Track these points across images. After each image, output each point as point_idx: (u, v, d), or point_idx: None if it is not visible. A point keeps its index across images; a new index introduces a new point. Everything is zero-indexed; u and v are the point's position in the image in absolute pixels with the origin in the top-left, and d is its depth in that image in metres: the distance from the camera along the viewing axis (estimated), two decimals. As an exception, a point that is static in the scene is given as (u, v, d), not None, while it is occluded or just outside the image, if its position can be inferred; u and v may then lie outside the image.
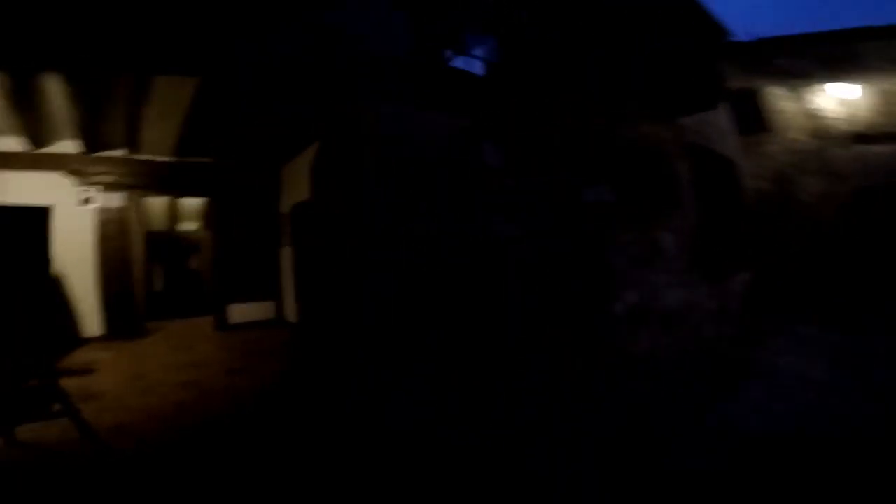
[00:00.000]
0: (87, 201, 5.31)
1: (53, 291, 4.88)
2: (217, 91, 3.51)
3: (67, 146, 5.00)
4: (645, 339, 4.06)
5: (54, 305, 4.85)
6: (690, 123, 5.33)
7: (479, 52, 3.08)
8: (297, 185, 5.78)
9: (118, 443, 2.40)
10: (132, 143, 5.00)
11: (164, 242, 8.71)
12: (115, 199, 5.45)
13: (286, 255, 6.26)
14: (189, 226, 8.69)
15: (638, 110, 4.31)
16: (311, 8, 2.39)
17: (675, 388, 3.15)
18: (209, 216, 6.91)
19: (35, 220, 2.38)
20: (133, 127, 4.45)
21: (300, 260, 5.77)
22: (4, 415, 2.29)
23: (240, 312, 6.21)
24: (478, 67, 3.10)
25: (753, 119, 7.03)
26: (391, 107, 2.63)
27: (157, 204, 7.78)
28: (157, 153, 5.49)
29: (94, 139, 4.83)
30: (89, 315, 5.23)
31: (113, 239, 5.42)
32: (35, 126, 4.35)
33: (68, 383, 3.44)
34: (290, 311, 6.17)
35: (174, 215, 8.38)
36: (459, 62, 3.02)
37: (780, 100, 7.05)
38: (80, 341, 5.03)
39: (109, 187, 5.38)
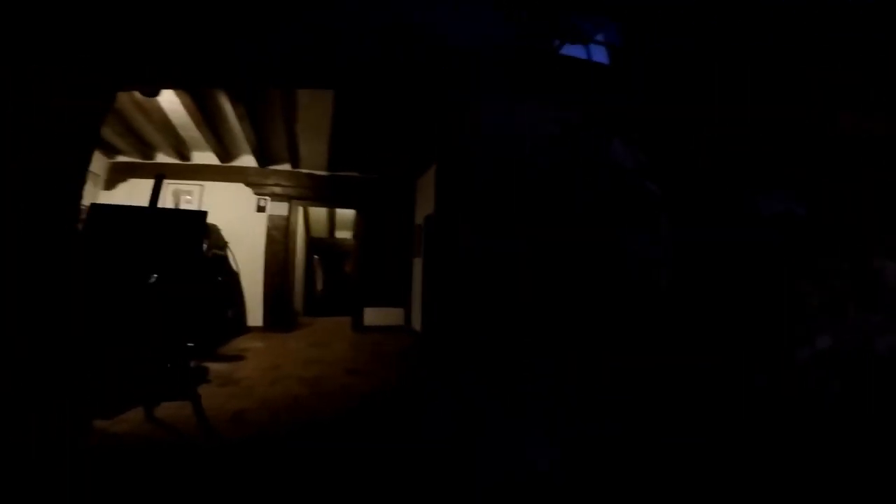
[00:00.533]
0: (261, 209, 6.20)
1: (230, 286, 5.75)
2: (350, 104, 3.67)
3: (247, 160, 5.92)
4: (836, 393, 2.85)
5: (230, 298, 5.71)
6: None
7: (599, 37, 2.52)
8: (428, 197, 5.84)
9: (230, 430, 2.52)
10: (294, 158, 5.66)
11: (325, 248, 9.87)
12: (281, 208, 6.25)
13: (417, 265, 6.37)
14: (345, 234, 9.65)
15: (836, 94, 3.11)
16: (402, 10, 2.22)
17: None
18: (355, 225, 7.50)
19: (194, 222, 2.63)
20: (292, 143, 5.01)
21: (427, 270, 5.78)
22: (149, 390, 2.56)
23: (373, 316, 6.52)
24: (600, 55, 2.53)
25: None
26: (491, 105, 2.28)
27: (319, 213, 8.83)
28: (314, 167, 6.15)
29: (264, 154, 5.61)
30: (255, 308, 6.04)
31: (278, 243, 6.21)
32: (222, 142, 5.22)
33: (220, 368, 3.97)
34: (417, 319, 6.22)
35: (332, 224, 9.39)
36: (573, 50, 2.49)
37: None
38: (245, 329, 5.84)
39: (277, 197, 6.20)
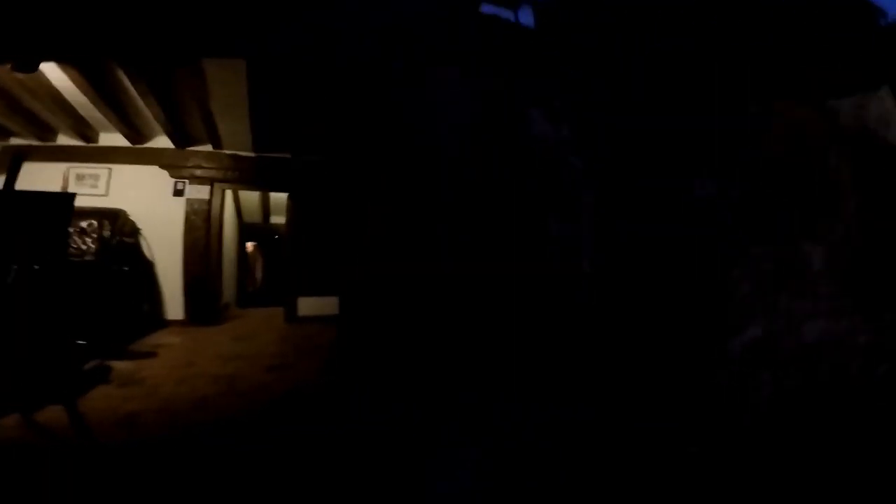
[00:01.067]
0: (178, 192, 5.73)
1: (141, 276, 5.29)
2: (267, 79, 3.40)
3: (163, 142, 5.43)
4: (768, 383, 3.02)
5: (141, 290, 5.26)
6: (847, 108, 3.99)
7: None
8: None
9: (116, 434, 2.30)
10: (214, 138, 5.25)
11: (260, 234, 9.38)
12: (202, 191, 5.81)
13: (355, 252, 6.17)
14: (280, 219, 9.20)
15: (769, 84, 3.25)
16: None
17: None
18: (287, 210, 7.14)
19: (60, 205, 2.33)
20: (209, 122, 4.62)
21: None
22: (20, 394, 2.28)
23: (309, 305, 6.27)
24: (527, 17, 2.45)
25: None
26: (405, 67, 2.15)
27: (252, 198, 8.34)
28: (239, 148, 5.74)
29: (181, 135, 5.16)
30: (173, 300, 5.62)
31: (198, 229, 5.76)
32: (130, 122, 4.74)
33: (125, 367, 3.63)
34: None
35: (266, 209, 8.92)
36: (497, 10, 2.39)
37: None
38: (164, 324, 5.42)
39: (196, 180, 5.74)
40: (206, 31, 2.30)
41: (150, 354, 4.07)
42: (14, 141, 5.04)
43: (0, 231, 2.26)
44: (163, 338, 4.79)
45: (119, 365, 3.62)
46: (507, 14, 2.39)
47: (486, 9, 2.32)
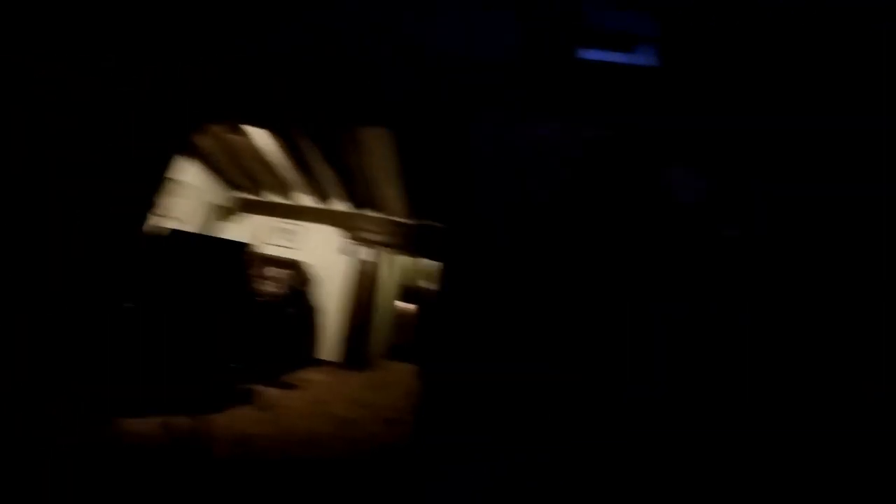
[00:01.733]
0: (348, 252, 6.57)
1: (305, 320, 6.05)
2: (403, 143, 3.73)
3: (338, 205, 6.40)
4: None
5: (303, 331, 5.98)
6: None
7: (636, 36, 2.07)
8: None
9: (226, 450, 2.46)
10: (378, 203, 5.95)
11: (416, 296, 10.04)
12: (367, 253, 6.54)
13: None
14: (429, 284, 9.73)
15: None
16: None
17: None
18: (438, 278, 7.48)
19: (235, 253, 2.85)
20: (372, 187, 5.27)
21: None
22: (173, 401, 2.67)
23: (443, 367, 6.22)
24: (638, 57, 2.07)
25: None
26: (492, 120, 2.01)
27: (409, 262, 9.09)
28: (398, 214, 6.38)
29: (353, 198, 6.01)
30: (331, 343, 6.24)
31: (361, 286, 6.44)
32: (315, 183, 5.73)
33: (272, 393, 4.04)
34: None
35: (422, 273, 9.55)
36: (599, 55, 2.08)
37: None
38: (318, 362, 6.02)
39: (363, 241, 6.52)
40: (358, 104, 2.64)
41: (294, 386, 4.47)
42: (240, 194, 6.59)
43: (197, 268, 2.81)
44: (312, 375, 5.27)
45: (268, 391, 4.05)
46: (616, 57, 2.11)
47: (592, 54, 2.10)
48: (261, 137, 4.32)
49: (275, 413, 3.39)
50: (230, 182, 6.32)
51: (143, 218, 2.81)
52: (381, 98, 2.33)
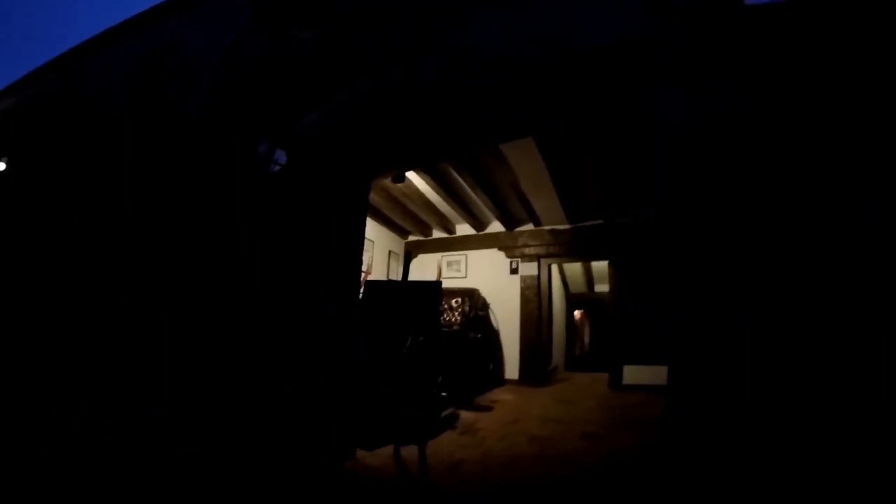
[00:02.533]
0: (513, 271, 6.72)
1: (490, 342, 6.33)
2: (551, 150, 3.68)
3: (496, 227, 6.62)
4: None
5: (489, 353, 6.27)
6: None
7: None
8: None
9: (444, 478, 2.71)
10: (533, 217, 5.97)
11: (586, 303, 9.60)
12: (531, 268, 6.59)
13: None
14: (604, 287, 9.16)
15: None
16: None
17: None
18: (609, 277, 7.04)
19: (433, 291, 3.30)
20: (525, 202, 5.32)
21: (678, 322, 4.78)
22: (397, 433, 3.09)
23: (634, 374, 5.78)
24: None
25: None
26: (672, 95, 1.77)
27: (576, 269, 8.77)
28: (555, 222, 6.27)
29: (508, 218, 6.16)
30: (512, 362, 6.39)
31: (531, 301, 6.50)
32: (471, 212, 6.06)
33: (469, 416, 4.34)
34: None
35: (590, 278, 9.11)
36: None
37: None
38: (502, 382, 6.22)
39: (526, 258, 6.59)
40: (494, 120, 2.75)
41: (487, 408, 4.69)
42: (410, 238, 7.36)
43: (402, 310, 3.26)
44: (500, 395, 5.46)
45: (465, 414, 4.35)
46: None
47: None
48: (418, 182, 4.82)
49: (476, 437, 3.61)
50: (400, 229, 7.14)
51: (358, 270, 3.38)
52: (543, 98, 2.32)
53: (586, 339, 10.18)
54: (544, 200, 5.23)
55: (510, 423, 4.08)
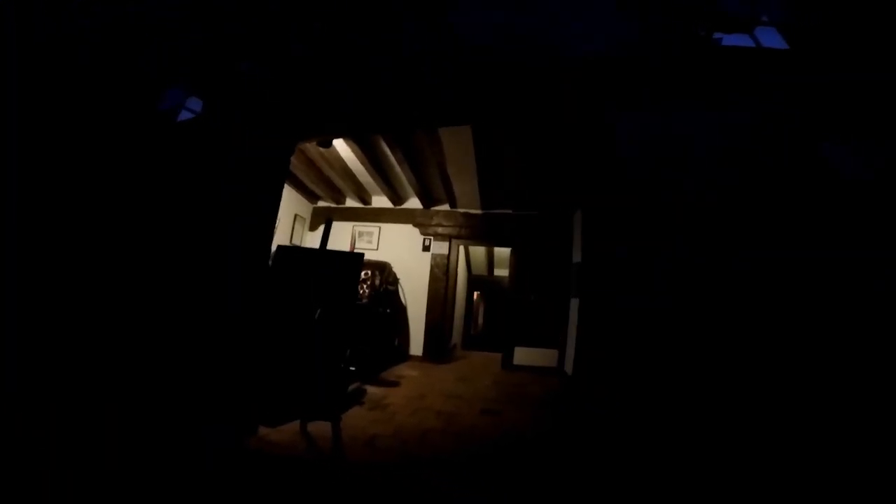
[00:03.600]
0: (426, 248, 6.78)
1: (397, 318, 6.37)
2: (485, 139, 3.78)
3: (414, 203, 6.60)
4: None
5: (396, 328, 6.32)
6: None
7: (762, 17, 1.90)
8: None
9: (360, 454, 2.72)
10: (451, 198, 6.07)
11: (484, 285, 10.16)
12: (443, 247, 6.72)
13: (575, 305, 5.97)
14: (503, 272, 9.77)
15: None
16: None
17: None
18: (509, 263, 7.52)
19: (353, 263, 3.09)
20: (446, 184, 5.38)
21: (583, 310, 5.36)
22: (305, 408, 2.97)
23: (524, 355, 6.33)
24: (769, 38, 1.91)
25: None
26: (633, 119, 1.98)
27: (480, 252, 9.19)
28: (469, 206, 6.47)
29: (427, 196, 6.18)
30: (417, 339, 6.53)
31: (439, 280, 6.65)
32: (392, 186, 5.95)
33: (376, 392, 4.36)
34: (570, 362, 5.77)
35: (491, 262, 9.63)
36: (731, 39, 1.94)
37: None
38: (406, 357, 6.35)
39: (439, 237, 6.70)
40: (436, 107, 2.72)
41: (394, 383, 4.77)
42: (320, 203, 7.00)
43: (317, 280, 3.05)
44: (405, 370, 5.58)
45: (372, 389, 4.37)
46: (745, 40, 1.99)
47: (725, 39, 1.98)
48: (343, 149, 4.57)
49: (386, 412, 3.66)
50: (310, 193, 6.72)
51: (271, 233, 3.12)
52: (517, 96, 2.34)
53: (480, 320, 10.79)
54: (464, 185, 5.35)
55: (417, 398, 4.20)
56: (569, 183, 4.85)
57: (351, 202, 6.97)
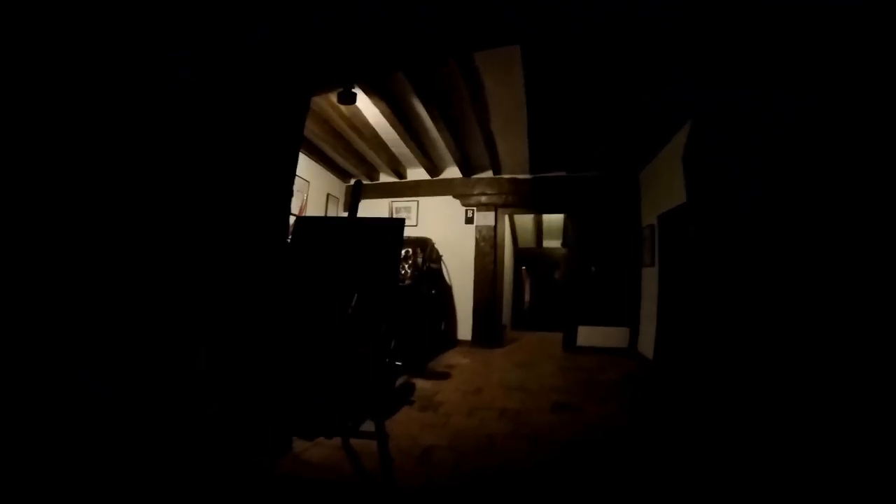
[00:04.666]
0: (469, 220, 6.11)
1: (443, 299, 5.78)
2: (543, 83, 3.01)
3: (453, 172, 5.92)
4: None
5: (443, 311, 5.74)
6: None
7: None
8: (662, 191, 4.63)
9: (412, 472, 2.16)
10: (494, 163, 5.34)
11: (533, 259, 9.37)
12: (488, 218, 6.01)
13: (649, 276, 5.14)
14: (553, 243, 8.95)
15: None
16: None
17: None
18: (566, 232, 6.73)
19: (394, 231, 2.38)
20: (490, 144, 4.64)
21: (667, 281, 4.54)
22: (345, 420, 2.41)
23: (589, 335, 5.59)
24: None
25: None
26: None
27: (526, 222, 8.40)
28: (515, 171, 5.71)
29: (467, 162, 5.48)
30: (464, 321, 5.94)
31: (486, 255, 5.99)
32: (428, 155, 5.29)
33: (426, 386, 3.80)
34: (646, 343, 4.98)
35: (539, 233, 8.81)
36: None
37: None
38: (454, 343, 5.78)
39: (483, 207, 6.00)
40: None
41: (445, 375, 4.21)
42: (352, 181, 6.47)
43: (349, 256, 2.42)
44: (454, 358, 5.01)
45: (420, 384, 3.82)
46: None
47: None
48: (370, 111, 3.94)
49: (439, 413, 3.10)
50: (341, 171, 6.19)
51: (287, 203, 2.56)
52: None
53: (527, 297, 10.07)
54: (511, 143, 4.60)
55: (473, 393, 3.62)
56: (634, 138, 3.99)
57: (385, 177, 6.38)
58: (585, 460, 2.34)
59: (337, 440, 2.45)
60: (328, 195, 6.05)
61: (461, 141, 4.67)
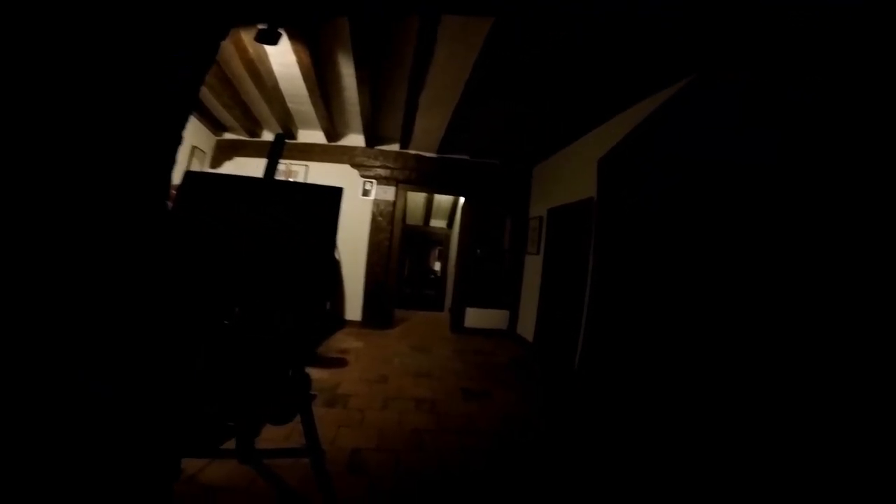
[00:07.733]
0: (366, 192, 5.70)
1: (333, 275, 5.33)
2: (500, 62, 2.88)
3: (354, 140, 5.44)
4: None
5: (332, 288, 5.30)
6: None
7: None
8: (556, 187, 4.94)
9: (347, 484, 1.91)
10: (405, 136, 5.03)
11: (418, 237, 9.35)
12: (388, 192, 5.70)
13: (531, 264, 5.51)
14: (439, 223, 9.04)
15: None
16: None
17: None
18: (462, 214, 6.81)
19: (330, 200, 1.86)
20: (408, 117, 4.34)
21: (551, 271, 4.91)
22: (254, 411, 1.98)
23: (475, 317, 5.82)
24: None
25: None
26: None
27: (416, 200, 8.27)
28: (423, 148, 5.50)
29: (374, 131, 5.07)
30: (353, 300, 5.59)
31: (382, 231, 5.68)
32: (331, 116, 4.72)
33: (322, 376, 3.42)
34: (525, 326, 5.39)
35: (428, 212, 8.80)
36: None
37: None
38: (342, 323, 5.42)
39: (383, 180, 5.66)
40: None
41: (340, 362, 3.89)
42: (226, 135, 5.48)
43: (267, 231, 1.89)
44: (346, 341, 4.69)
45: (316, 373, 3.44)
46: None
47: None
48: (284, 60, 3.27)
49: (349, 408, 2.82)
50: (215, 122, 5.16)
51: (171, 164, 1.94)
52: None
53: (407, 274, 10.06)
54: (432, 120, 4.37)
55: (378, 381, 3.42)
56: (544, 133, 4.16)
57: (269, 136, 5.52)
58: (516, 455, 2.35)
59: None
60: (193, 148, 5.00)
61: (379, 105, 4.25)
